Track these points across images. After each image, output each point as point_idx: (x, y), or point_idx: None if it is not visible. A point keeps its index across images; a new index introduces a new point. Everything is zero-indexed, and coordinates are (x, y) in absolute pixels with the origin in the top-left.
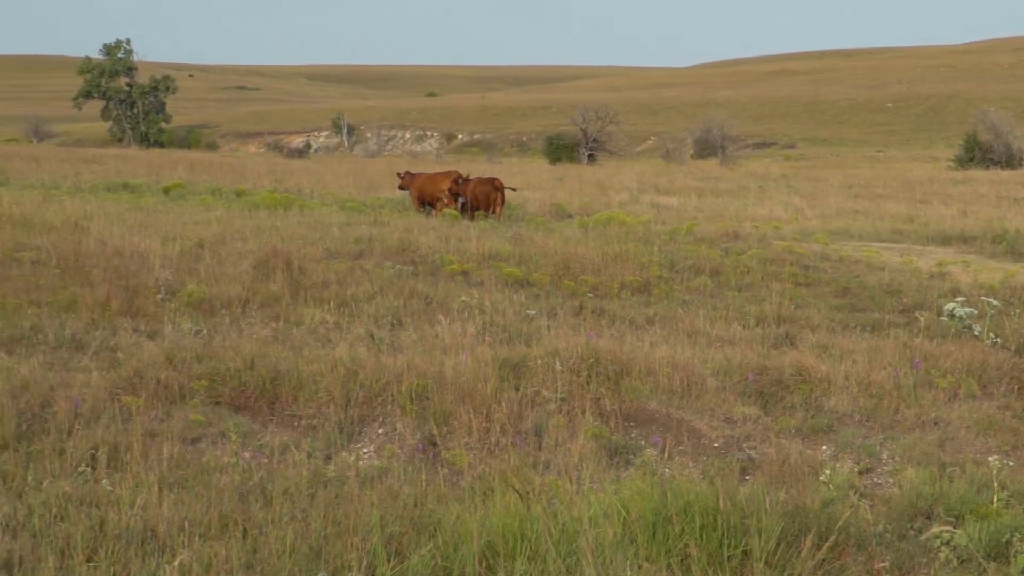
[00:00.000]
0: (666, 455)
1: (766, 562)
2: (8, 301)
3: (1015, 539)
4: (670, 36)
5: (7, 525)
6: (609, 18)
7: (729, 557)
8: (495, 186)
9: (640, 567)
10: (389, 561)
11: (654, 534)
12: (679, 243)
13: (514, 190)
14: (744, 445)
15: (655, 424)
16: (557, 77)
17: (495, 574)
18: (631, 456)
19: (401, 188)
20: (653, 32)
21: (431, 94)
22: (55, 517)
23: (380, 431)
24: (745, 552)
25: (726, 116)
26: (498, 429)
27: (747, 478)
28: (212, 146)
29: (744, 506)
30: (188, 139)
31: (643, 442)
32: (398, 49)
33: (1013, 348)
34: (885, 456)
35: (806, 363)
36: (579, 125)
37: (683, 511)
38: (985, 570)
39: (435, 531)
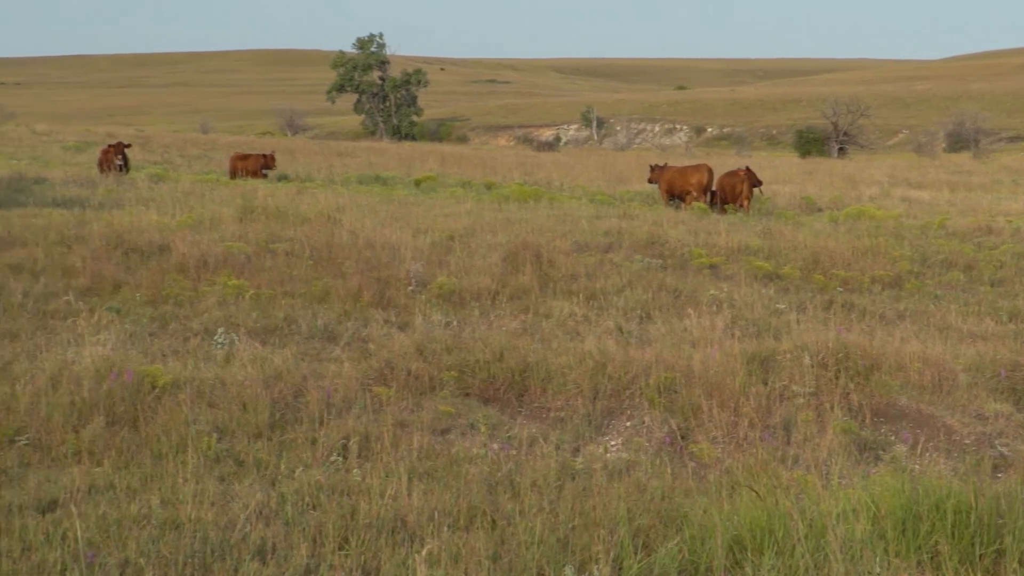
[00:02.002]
0: (917, 451)
1: (1020, 561)
2: (263, 292)
3: None
4: (921, 28)
5: (261, 513)
6: (859, 10)
7: (981, 556)
8: (741, 178)
9: (889, 564)
10: (636, 554)
11: (904, 531)
12: (930, 237)
13: (760, 185)
14: (996, 442)
15: (905, 420)
16: (807, 70)
17: (742, 568)
18: (880, 452)
19: (650, 181)
20: (904, 24)
21: (681, 87)
22: (307, 505)
23: (627, 424)
24: (998, 551)
25: (979, 109)
26: (746, 423)
27: (999, 475)
28: (462, 139)
29: (998, 504)
30: (439, 132)
31: (893, 438)
32: (648, 42)
33: None
34: None
35: None
36: (830, 118)
37: (934, 508)
38: None
39: (682, 525)
